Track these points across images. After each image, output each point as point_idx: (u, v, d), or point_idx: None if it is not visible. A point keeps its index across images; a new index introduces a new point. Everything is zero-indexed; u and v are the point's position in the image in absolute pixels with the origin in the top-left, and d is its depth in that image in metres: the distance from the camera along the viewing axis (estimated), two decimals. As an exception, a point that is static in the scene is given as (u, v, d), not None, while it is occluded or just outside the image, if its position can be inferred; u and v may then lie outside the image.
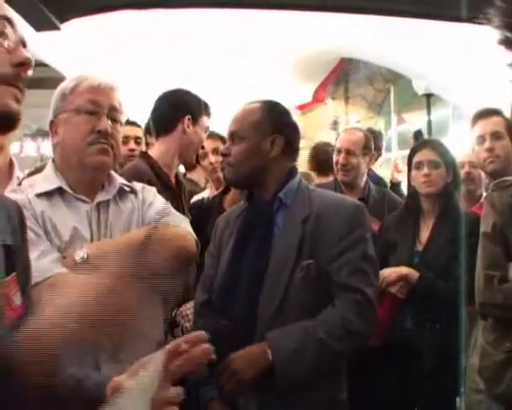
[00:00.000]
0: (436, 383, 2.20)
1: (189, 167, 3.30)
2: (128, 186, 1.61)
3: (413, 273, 2.29)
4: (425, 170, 2.39)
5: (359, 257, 1.65)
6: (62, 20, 0.73)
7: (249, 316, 1.61)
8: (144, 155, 2.30)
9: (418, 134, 4.47)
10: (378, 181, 3.67)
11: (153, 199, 1.61)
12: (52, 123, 1.54)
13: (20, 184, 1.73)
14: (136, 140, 3.16)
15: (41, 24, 0.73)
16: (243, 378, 1.55)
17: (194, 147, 2.25)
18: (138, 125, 3.23)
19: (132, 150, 3.10)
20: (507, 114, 2.36)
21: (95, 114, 1.48)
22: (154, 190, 1.67)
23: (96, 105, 1.48)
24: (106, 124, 1.47)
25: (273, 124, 1.74)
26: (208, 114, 2.28)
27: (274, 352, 1.54)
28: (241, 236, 1.73)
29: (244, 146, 1.73)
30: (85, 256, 1.37)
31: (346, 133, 2.99)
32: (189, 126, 2.19)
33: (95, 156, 1.47)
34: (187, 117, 2.19)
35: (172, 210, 1.62)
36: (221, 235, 1.82)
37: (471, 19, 0.70)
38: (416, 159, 2.45)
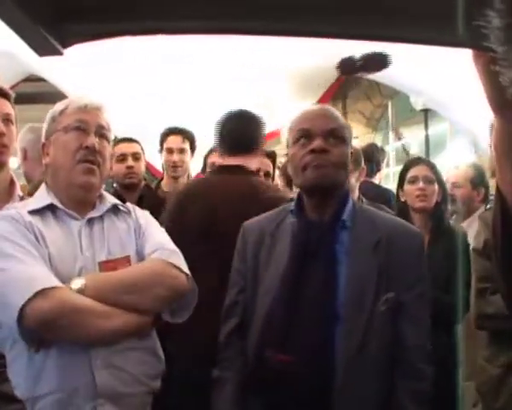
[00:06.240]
0: (436, 398, 2.19)
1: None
2: (121, 205, 1.63)
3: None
4: (420, 184, 2.41)
5: (426, 289, 1.54)
6: (65, 46, 0.75)
7: (324, 354, 1.41)
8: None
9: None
10: (378, 193, 3.66)
11: (146, 222, 1.62)
12: (44, 145, 1.58)
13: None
14: (135, 156, 3.12)
15: (44, 50, 0.75)
16: None
17: None
18: (135, 141, 3.19)
19: (130, 167, 3.07)
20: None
21: (82, 131, 1.52)
22: (146, 212, 1.68)
23: (84, 123, 1.52)
24: (93, 140, 1.51)
25: (350, 133, 1.57)
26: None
27: None
28: (297, 260, 1.49)
29: (345, 149, 1.52)
30: (83, 287, 1.37)
31: None
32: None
33: (81, 176, 1.50)
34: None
35: (164, 240, 1.58)
36: (255, 251, 1.59)
37: (467, 44, 0.70)
38: (410, 174, 2.47)
